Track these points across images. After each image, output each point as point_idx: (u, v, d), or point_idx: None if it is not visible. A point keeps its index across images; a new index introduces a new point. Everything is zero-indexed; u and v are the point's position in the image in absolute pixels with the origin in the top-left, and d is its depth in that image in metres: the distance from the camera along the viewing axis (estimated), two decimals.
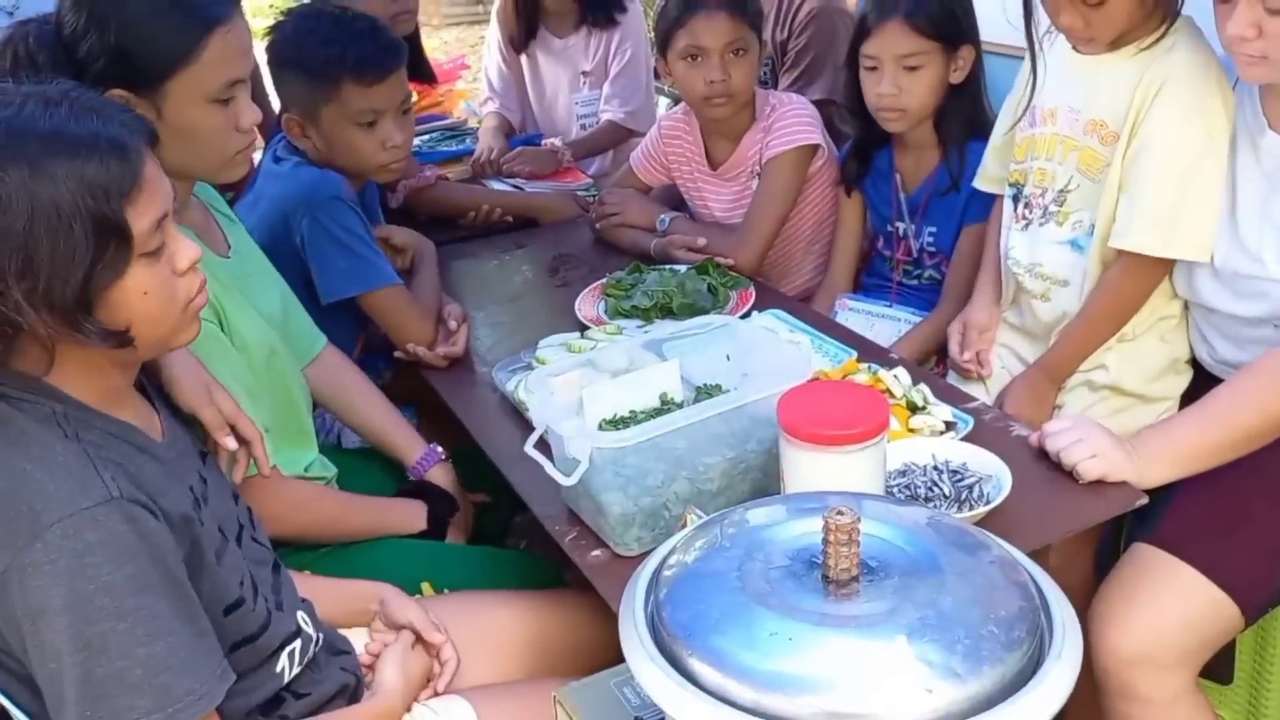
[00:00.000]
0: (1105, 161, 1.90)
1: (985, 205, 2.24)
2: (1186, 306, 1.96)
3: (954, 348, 2.17)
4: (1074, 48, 1.95)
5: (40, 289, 1.12)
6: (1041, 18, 1.94)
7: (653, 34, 2.69)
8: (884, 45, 2.25)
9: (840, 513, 0.86)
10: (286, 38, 2.19)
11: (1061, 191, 1.97)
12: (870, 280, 2.57)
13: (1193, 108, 1.80)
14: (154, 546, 1.15)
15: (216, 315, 1.65)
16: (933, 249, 2.42)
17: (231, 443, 1.43)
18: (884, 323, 2.43)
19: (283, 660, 1.35)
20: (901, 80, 2.25)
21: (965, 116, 2.30)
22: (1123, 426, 1.89)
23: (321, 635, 1.45)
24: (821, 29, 2.99)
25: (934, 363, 2.32)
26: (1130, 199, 1.86)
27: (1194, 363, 1.99)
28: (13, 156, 1.11)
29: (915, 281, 2.48)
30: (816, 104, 2.63)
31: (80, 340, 1.16)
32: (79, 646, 1.10)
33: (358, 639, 1.61)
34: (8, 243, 1.11)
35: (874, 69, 2.28)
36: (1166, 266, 1.89)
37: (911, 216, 2.42)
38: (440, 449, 2.07)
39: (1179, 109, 1.81)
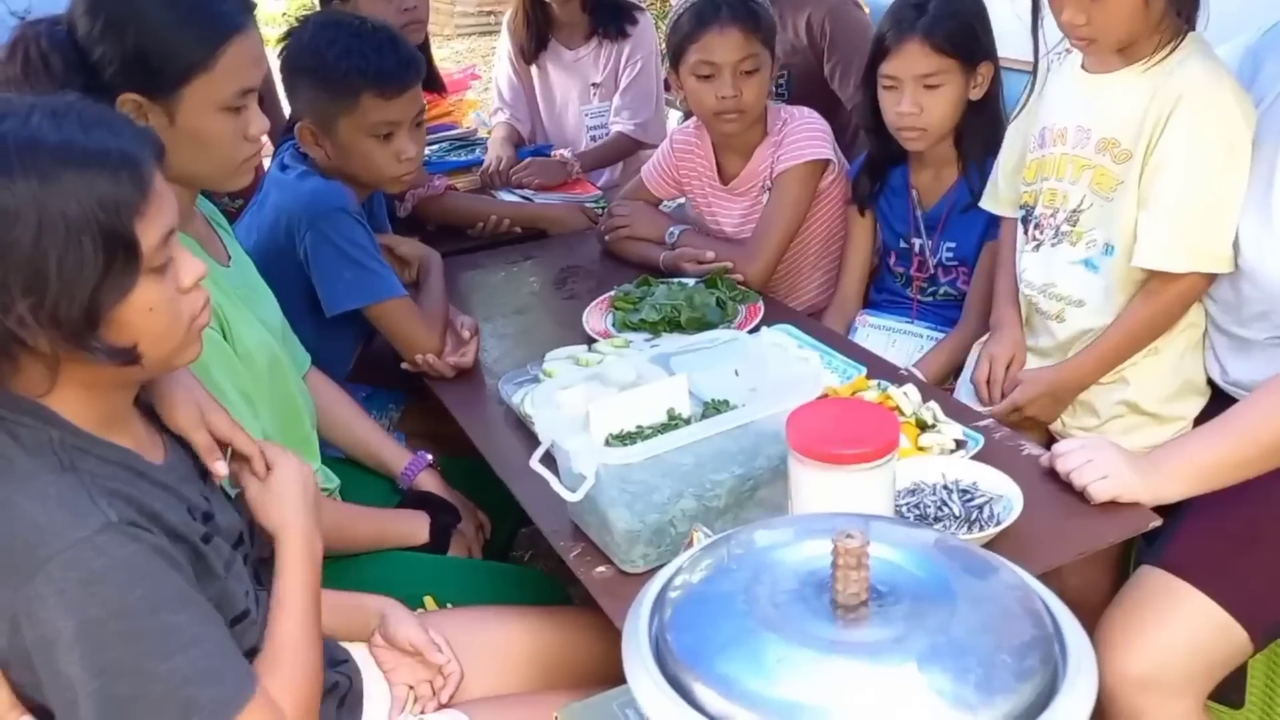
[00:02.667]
0: (1119, 180, 1.88)
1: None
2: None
3: (980, 375, 2.13)
4: (1081, 65, 1.95)
5: (47, 304, 1.10)
6: (1050, 32, 1.93)
7: (664, 47, 2.68)
8: (904, 65, 2.24)
9: (849, 536, 0.84)
10: (304, 46, 2.17)
11: (1074, 211, 1.96)
12: (880, 296, 2.56)
13: (1212, 121, 1.79)
14: (163, 561, 1.14)
15: (220, 323, 1.64)
16: (952, 263, 2.41)
17: (222, 468, 1.38)
18: (905, 339, 2.42)
19: None
20: (922, 99, 2.25)
21: (985, 132, 2.29)
22: (1134, 444, 1.88)
23: None
24: (846, 31, 2.99)
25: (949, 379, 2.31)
26: (1152, 216, 1.85)
27: (1211, 384, 1.97)
28: (21, 168, 1.09)
29: (930, 298, 2.47)
30: None
31: (86, 358, 1.13)
32: (97, 672, 1.08)
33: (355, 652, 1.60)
34: (14, 256, 1.09)
35: (894, 88, 2.27)
36: (1208, 278, 1.87)
37: (929, 233, 2.41)
38: (428, 455, 2.06)
39: (1198, 123, 1.79)
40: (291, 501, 1.39)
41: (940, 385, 2.20)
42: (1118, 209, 1.89)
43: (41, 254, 1.09)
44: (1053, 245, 2.01)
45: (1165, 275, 1.86)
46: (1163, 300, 1.89)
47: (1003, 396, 2.07)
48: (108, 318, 1.14)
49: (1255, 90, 1.85)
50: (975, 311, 2.31)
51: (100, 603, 1.08)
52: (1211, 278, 1.87)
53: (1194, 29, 1.84)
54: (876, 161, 2.46)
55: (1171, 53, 1.82)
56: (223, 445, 1.41)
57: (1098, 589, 1.84)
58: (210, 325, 1.48)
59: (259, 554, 1.42)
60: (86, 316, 1.12)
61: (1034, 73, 2.00)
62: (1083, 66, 1.95)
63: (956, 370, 2.28)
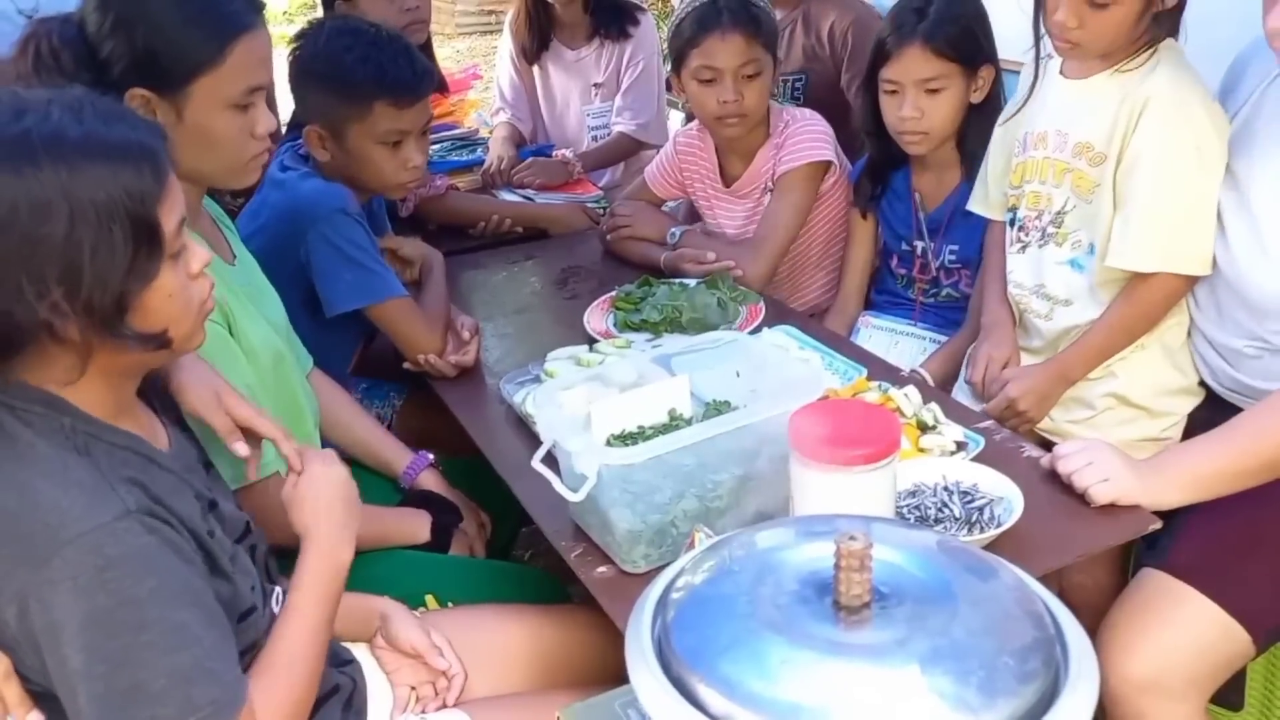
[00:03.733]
0: (1095, 182, 1.91)
1: None
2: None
3: (976, 376, 2.13)
4: (1060, 71, 1.96)
5: (81, 292, 1.12)
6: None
7: (666, 48, 2.69)
8: (905, 70, 2.24)
9: (852, 538, 0.85)
10: (319, 51, 2.17)
11: (1059, 213, 1.98)
12: (881, 298, 2.57)
13: (1180, 124, 1.82)
14: (175, 556, 1.15)
15: (225, 319, 1.64)
16: (955, 265, 2.42)
17: (243, 448, 1.42)
18: (908, 340, 2.43)
19: None
20: (923, 103, 2.25)
21: (987, 135, 2.29)
22: (1127, 436, 1.90)
23: None
24: (866, 45, 2.97)
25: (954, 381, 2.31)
26: (1124, 218, 1.88)
27: (1205, 384, 1.97)
28: (50, 161, 1.11)
29: (933, 300, 2.48)
30: None
31: (116, 344, 1.16)
32: (101, 659, 1.09)
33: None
34: (49, 245, 1.10)
35: (895, 93, 2.27)
36: (1187, 280, 1.88)
37: (932, 236, 2.42)
38: (429, 455, 2.06)
39: (1165, 126, 1.82)
40: (323, 506, 1.40)
41: (946, 387, 2.21)
42: (1097, 210, 1.92)
43: (75, 244, 1.11)
44: (1040, 246, 2.03)
45: (1142, 275, 1.88)
46: (1143, 301, 1.91)
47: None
48: (135, 304, 1.16)
49: (1236, 96, 1.86)
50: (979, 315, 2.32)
51: (111, 591, 1.09)
52: (1191, 280, 1.88)
53: (1175, 37, 1.86)
54: (878, 165, 2.46)
55: (1145, 60, 1.85)
56: (246, 432, 1.43)
57: (1105, 591, 1.84)
58: (215, 320, 1.49)
59: (266, 545, 1.42)
60: (117, 303, 1.14)
61: (1035, 71, 2.01)
62: (1061, 72, 1.98)
63: (958, 372, 2.28)
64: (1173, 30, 1.86)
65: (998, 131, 2.17)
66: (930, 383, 2.14)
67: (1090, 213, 1.93)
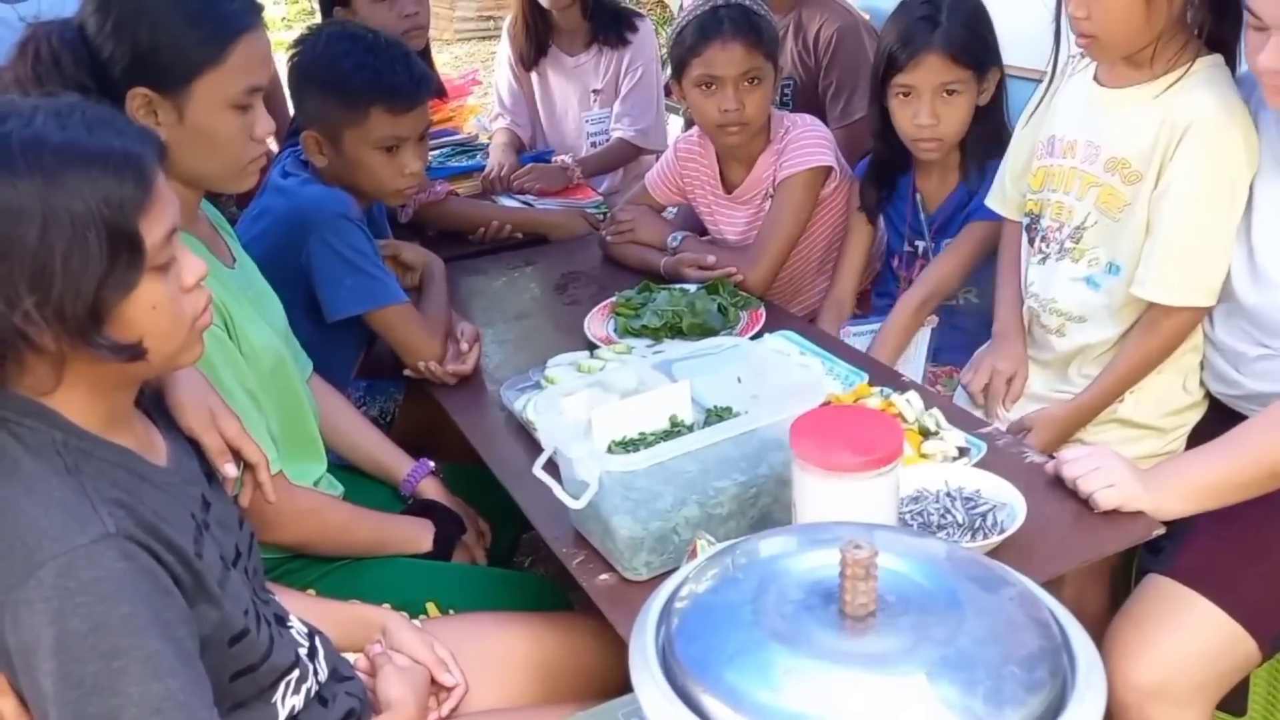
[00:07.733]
0: (1126, 201, 1.87)
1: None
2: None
3: (977, 386, 2.12)
4: (1094, 77, 1.93)
5: (52, 300, 1.10)
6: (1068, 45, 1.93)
7: (665, 54, 2.69)
8: (923, 77, 2.23)
9: (858, 546, 0.84)
10: (317, 56, 2.17)
11: (1078, 228, 1.95)
12: (881, 301, 2.56)
13: (1216, 155, 1.78)
14: (152, 586, 1.12)
15: (223, 320, 1.64)
16: None
17: (232, 469, 1.40)
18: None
19: (280, 690, 1.32)
20: (940, 109, 2.24)
21: (989, 136, 2.29)
22: (1130, 452, 1.88)
23: (327, 669, 1.42)
24: (848, 51, 2.98)
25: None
26: (1152, 246, 1.85)
27: (1208, 395, 1.97)
28: (27, 167, 1.09)
29: None
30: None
31: (91, 354, 1.13)
32: (71, 685, 1.07)
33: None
34: (20, 252, 1.09)
35: (910, 100, 2.26)
36: (1204, 309, 1.87)
37: (931, 236, 2.41)
38: (430, 462, 2.06)
39: (1203, 157, 1.78)
40: (414, 689, 1.47)
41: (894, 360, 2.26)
42: (1125, 230, 1.88)
43: (47, 250, 1.09)
44: (1056, 260, 2.00)
45: (1163, 307, 1.87)
46: (1163, 332, 1.89)
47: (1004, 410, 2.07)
48: (112, 314, 1.14)
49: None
50: (922, 278, 2.36)
51: (83, 615, 1.07)
52: (1207, 310, 1.87)
53: (1230, 56, 1.82)
54: (884, 168, 2.45)
55: (1184, 75, 1.80)
56: (234, 452, 1.42)
57: (1091, 598, 1.83)
58: (214, 324, 1.48)
59: (255, 564, 1.41)
60: (91, 313, 1.12)
61: (1052, 70, 1.99)
62: (1095, 78, 1.94)
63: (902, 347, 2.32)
64: (1220, 49, 1.82)
65: (1019, 129, 2.15)
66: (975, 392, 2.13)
67: (1114, 231, 1.90)
